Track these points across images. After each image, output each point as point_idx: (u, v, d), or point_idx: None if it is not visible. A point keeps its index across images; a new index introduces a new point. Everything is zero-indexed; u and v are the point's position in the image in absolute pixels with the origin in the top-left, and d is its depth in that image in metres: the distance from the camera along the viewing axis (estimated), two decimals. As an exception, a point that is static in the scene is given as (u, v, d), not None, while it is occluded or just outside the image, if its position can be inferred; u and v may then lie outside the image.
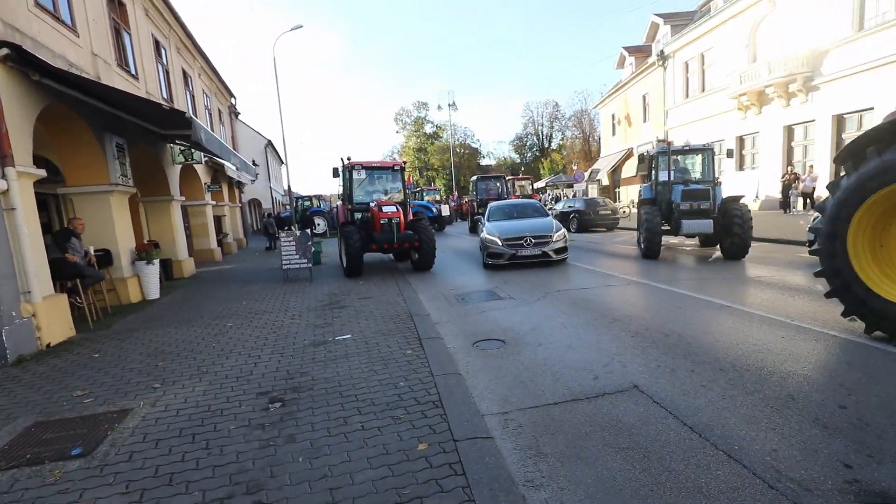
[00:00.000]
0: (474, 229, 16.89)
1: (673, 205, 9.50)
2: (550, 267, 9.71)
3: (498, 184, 21.35)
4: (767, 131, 18.78)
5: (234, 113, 22.02)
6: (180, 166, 12.31)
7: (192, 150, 11.57)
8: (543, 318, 5.83)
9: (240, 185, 21.43)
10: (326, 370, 4.33)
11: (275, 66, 21.65)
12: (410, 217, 10.71)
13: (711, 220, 8.67)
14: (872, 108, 14.32)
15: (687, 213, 9.02)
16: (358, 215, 10.82)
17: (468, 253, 13.47)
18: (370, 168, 10.64)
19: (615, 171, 32.81)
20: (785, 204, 17.05)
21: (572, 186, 43.39)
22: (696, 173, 10.59)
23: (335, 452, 2.88)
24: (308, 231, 10.01)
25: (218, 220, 18.03)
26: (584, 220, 17.23)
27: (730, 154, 10.68)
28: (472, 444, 2.88)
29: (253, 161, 22.02)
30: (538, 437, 3.03)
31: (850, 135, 15.43)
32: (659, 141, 13.28)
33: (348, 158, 10.47)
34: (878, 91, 13.98)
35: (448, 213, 25.53)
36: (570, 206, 18.26)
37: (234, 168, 15.10)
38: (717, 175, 10.10)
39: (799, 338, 4.50)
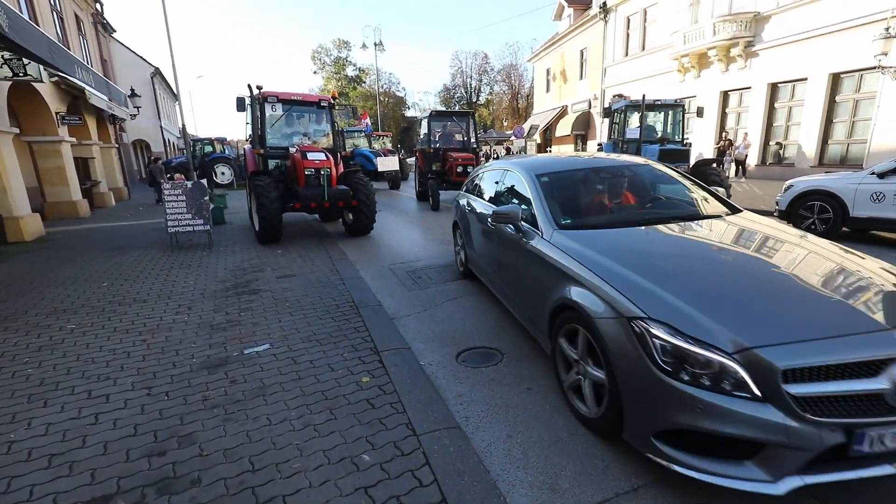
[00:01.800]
0: (425, 195, 12.74)
1: None
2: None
3: (463, 125, 13.52)
4: (704, 96, 18.82)
5: (101, 24, 17.10)
6: (8, 84, 8.76)
7: (23, 60, 8.15)
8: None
9: (115, 119, 17.05)
10: (227, 431, 2.54)
11: (156, -33, 16.94)
12: (342, 168, 8.62)
13: None
14: (806, 79, 14.56)
15: None
16: (273, 163, 8.47)
17: (411, 211, 11.70)
18: (289, 102, 8.22)
19: (547, 130, 32.26)
20: (717, 170, 17.42)
21: (502, 143, 42.66)
22: (659, 133, 9.77)
23: None
24: (203, 181, 7.53)
25: (85, 164, 14.09)
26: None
27: (700, 113, 9.92)
28: None
29: (132, 90, 17.50)
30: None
31: (782, 104, 15.77)
32: (615, 96, 12.34)
33: (259, 87, 7.95)
34: (812, 62, 14.14)
35: (394, 168, 17.66)
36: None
37: (98, 94, 11.42)
38: (686, 136, 9.30)
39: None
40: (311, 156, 7.43)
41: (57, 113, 11.07)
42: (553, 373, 3.02)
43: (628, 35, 23.40)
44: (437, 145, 12.84)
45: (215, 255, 6.94)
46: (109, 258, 6.86)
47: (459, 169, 11.34)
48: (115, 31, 24.77)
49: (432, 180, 11.82)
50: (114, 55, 24.74)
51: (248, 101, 8.09)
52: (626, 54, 23.51)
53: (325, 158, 7.51)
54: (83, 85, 8.85)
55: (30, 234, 8.63)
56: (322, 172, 7.34)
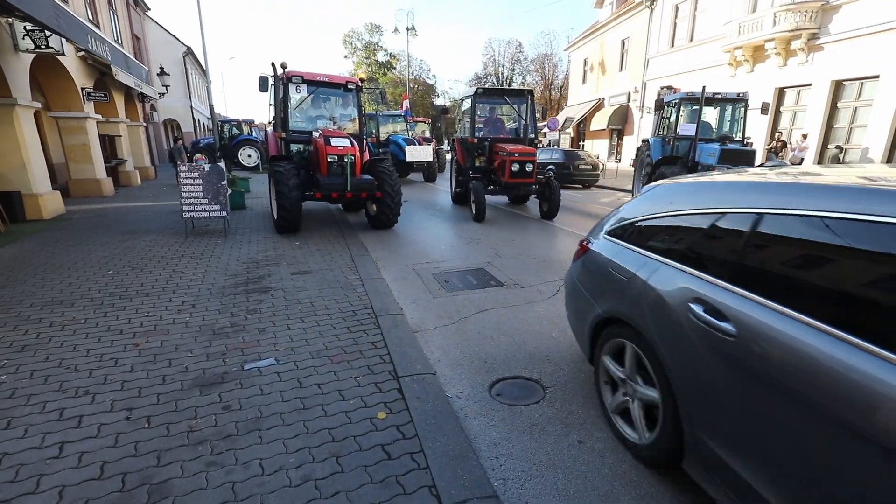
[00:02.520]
0: (463, 198, 10.02)
1: (699, 167, 7.69)
2: (547, 229, 7.74)
3: (520, 109, 9.99)
4: (757, 93, 17.47)
5: (134, 1, 16.98)
6: (31, 57, 8.54)
7: (45, 31, 7.88)
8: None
9: (144, 98, 16.99)
10: (209, 482, 2.05)
11: (190, -57, 16.67)
12: (367, 156, 8.09)
13: None
14: (878, 77, 13.20)
15: None
16: (296, 148, 8.01)
17: (444, 213, 11.13)
18: (314, 83, 7.71)
19: (580, 124, 31.03)
20: (766, 173, 16.17)
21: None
22: (714, 130, 8.85)
23: None
24: (221, 164, 7.13)
25: (111, 142, 14.04)
26: (563, 174, 15.28)
27: (765, 109, 8.95)
28: None
29: (161, 68, 17.40)
30: None
31: (846, 104, 14.42)
32: (663, 88, 11.36)
33: (283, 66, 7.46)
34: (886, 57, 12.77)
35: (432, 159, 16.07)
36: (548, 158, 16.19)
37: (122, 70, 11.21)
38: (747, 134, 8.39)
39: None
40: (334, 142, 6.92)
41: (83, 89, 10.91)
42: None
43: (675, 25, 22.01)
44: (483, 133, 9.69)
45: (230, 243, 6.54)
46: (121, 242, 6.55)
47: (516, 167, 8.49)
48: (149, 10, 24.87)
49: (476, 180, 8.81)
50: (147, 33, 24.86)
51: (271, 80, 7.62)
52: (672, 45, 22.14)
53: (349, 145, 6.98)
54: (98, 54, 8.50)
55: (48, 213, 8.46)
56: (346, 160, 6.82)
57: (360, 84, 8.15)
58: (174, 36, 29.33)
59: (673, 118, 8.51)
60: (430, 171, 16.58)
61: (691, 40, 20.96)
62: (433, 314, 4.19)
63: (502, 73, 62.41)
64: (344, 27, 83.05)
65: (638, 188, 10.25)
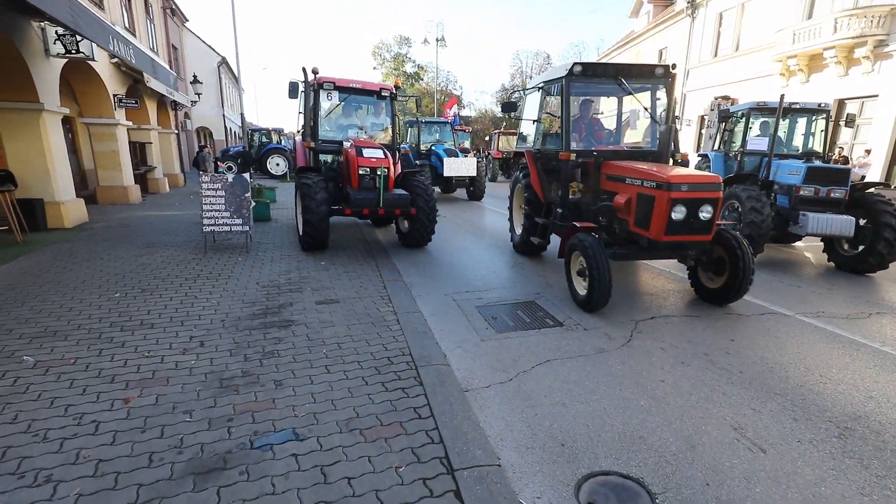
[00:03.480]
0: (533, 248, 6.58)
1: (775, 187, 6.73)
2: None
3: (649, 98, 5.43)
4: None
5: (171, 10, 17.11)
6: (62, 62, 8.32)
7: (76, 36, 7.62)
8: (686, 404, 3.02)
9: (177, 106, 17.01)
10: None
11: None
12: (399, 168, 7.47)
13: (852, 217, 5.93)
14: (960, 86, 11.90)
15: (811, 202, 6.26)
16: (325, 159, 7.47)
17: (481, 224, 10.41)
18: (346, 90, 7.16)
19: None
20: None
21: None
22: (784, 144, 7.86)
23: None
24: (246, 175, 6.62)
25: (142, 149, 13.95)
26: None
27: (850, 122, 7.92)
28: None
29: (194, 76, 17.43)
30: None
31: (921, 116, 13.09)
32: (718, 98, 10.43)
33: (314, 72, 6.95)
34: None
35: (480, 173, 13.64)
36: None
37: (154, 78, 11.02)
38: (830, 150, 7.36)
39: None
40: (367, 153, 6.31)
41: (115, 95, 10.75)
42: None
43: (719, 34, 20.92)
44: (584, 145, 5.50)
45: (251, 262, 5.98)
46: (137, 258, 6.08)
47: (680, 212, 4.14)
48: (187, 21, 25.35)
49: (585, 234, 4.53)
50: (185, 43, 25.31)
51: (301, 87, 7.11)
52: (716, 55, 21.03)
53: (382, 156, 6.36)
54: (122, 56, 8.19)
55: (70, 221, 8.15)
56: (378, 173, 6.20)
57: (394, 91, 7.56)
58: (210, 46, 29.88)
59: (739, 131, 7.56)
60: (475, 187, 14.02)
61: (737, 49, 19.84)
62: (484, 364, 3.45)
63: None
64: (374, 39, 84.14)
65: None
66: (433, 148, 14.25)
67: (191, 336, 3.64)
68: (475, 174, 13.40)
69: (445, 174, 13.00)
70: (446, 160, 13.02)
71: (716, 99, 10.38)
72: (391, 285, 5.16)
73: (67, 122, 11.59)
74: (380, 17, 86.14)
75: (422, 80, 59.97)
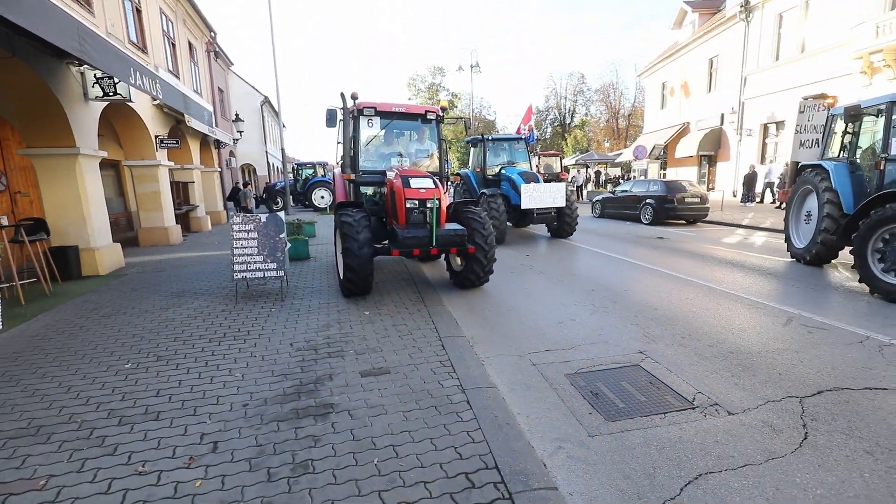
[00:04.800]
0: None
1: None
2: (689, 286, 5.64)
3: None
4: (908, 102, 14.28)
5: (214, 52, 17.59)
6: (102, 105, 8.16)
7: (113, 79, 7.40)
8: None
9: (220, 144, 17.21)
10: None
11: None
12: (447, 199, 6.58)
13: None
14: None
15: None
16: (366, 191, 6.72)
17: (568, 266, 9.30)
18: (389, 114, 6.45)
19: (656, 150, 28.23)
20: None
21: (605, 165, 38.87)
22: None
23: None
24: (280, 214, 5.93)
25: (184, 188, 13.96)
26: (666, 209, 12.97)
27: None
28: None
29: (236, 115, 17.70)
30: None
31: None
32: (808, 98, 8.99)
33: (353, 97, 6.28)
34: None
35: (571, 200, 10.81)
36: (644, 191, 13.96)
37: (196, 118, 10.92)
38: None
39: None
40: (414, 182, 5.46)
41: (156, 137, 10.66)
42: None
43: (780, 35, 19.29)
44: None
45: (285, 313, 5.18)
46: (163, 311, 5.43)
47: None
48: (232, 64, 26.41)
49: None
50: (230, 86, 26.32)
51: (340, 114, 6.45)
52: (777, 58, 19.35)
53: (432, 186, 5.50)
54: (147, 91, 7.92)
55: (105, 268, 7.77)
56: (429, 205, 5.32)
57: (440, 114, 6.78)
58: (253, 87, 31.06)
59: (869, 132, 6.15)
60: (562, 222, 10.82)
61: (803, 51, 18.12)
62: (607, 483, 2.35)
63: (564, 105, 60.98)
64: (409, 71, 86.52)
65: (796, 230, 7.68)
66: (504, 172, 11.17)
67: (202, 434, 2.77)
68: (564, 204, 10.37)
69: (524, 206, 9.95)
70: (523, 188, 9.91)
71: (805, 99, 8.93)
72: (450, 343, 4.17)
73: (114, 166, 11.68)
74: (412, 49, 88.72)
75: (455, 107, 60.50)
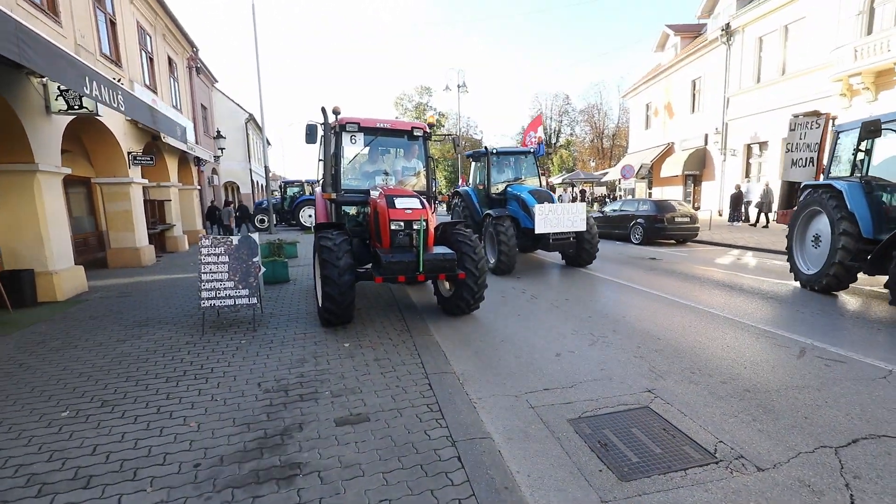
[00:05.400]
0: None
1: None
2: (691, 312, 5.33)
3: None
4: (887, 124, 14.53)
5: (196, 68, 17.22)
6: (66, 119, 7.68)
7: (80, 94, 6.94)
8: None
9: (200, 161, 16.70)
10: None
11: (253, 13, 16.91)
12: (435, 220, 6.20)
13: None
14: None
15: None
16: (348, 210, 6.33)
17: (586, 303, 8.85)
18: (373, 131, 6.11)
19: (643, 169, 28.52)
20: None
21: (590, 184, 39.23)
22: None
23: None
24: (254, 235, 5.48)
25: (160, 207, 13.38)
26: (656, 228, 12.80)
27: None
28: None
29: (217, 132, 17.26)
30: None
31: None
32: (799, 115, 8.77)
33: (335, 112, 5.93)
34: None
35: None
36: (634, 210, 13.80)
37: (168, 134, 10.46)
38: None
39: None
40: (400, 203, 5.08)
41: (129, 153, 10.16)
42: None
43: (760, 58, 19.73)
44: None
45: (257, 346, 4.70)
46: (120, 343, 4.89)
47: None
48: (217, 81, 26.06)
49: None
50: (214, 103, 25.92)
51: (321, 130, 6.09)
52: (759, 80, 19.76)
53: (419, 207, 5.12)
54: (106, 102, 7.54)
55: (64, 293, 7.17)
56: (415, 227, 4.94)
57: (428, 130, 6.47)
58: (238, 105, 30.71)
59: (882, 149, 5.87)
60: (579, 249, 9.15)
61: (783, 73, 18.52)
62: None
63: (549, 126, 61.94)
64: (396, 90, 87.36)
65: (801, 254, 7.21)
66: (511, 190, 9.83)
67: (137, 509, 2.28)
68: (584, 228, 8.73)
69: (538, 231, 8.34)
70: (537, 209, 8.31)
71: (796, 116, 8.72)
72: (438, 381, 3.74)
73: (85, 183, 11.10)
74: (401, 70, 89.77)
75: (442, 126, 60.94)
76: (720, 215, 21.16)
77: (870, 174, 6.31)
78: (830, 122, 7.72)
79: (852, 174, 6.57)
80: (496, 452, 2.76)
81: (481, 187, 10.56)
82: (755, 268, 9.24)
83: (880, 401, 3.33)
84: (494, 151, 10.41)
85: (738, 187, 18.97)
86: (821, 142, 7.69)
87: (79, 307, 6.64)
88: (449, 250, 5.15)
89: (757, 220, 17.55)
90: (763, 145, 19.56)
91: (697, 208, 23.16)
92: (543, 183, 10.57)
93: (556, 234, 8.65)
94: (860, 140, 6.36)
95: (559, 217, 8.46)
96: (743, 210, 18.58)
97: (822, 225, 6.76)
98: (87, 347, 4.79)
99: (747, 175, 20.44)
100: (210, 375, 3.96)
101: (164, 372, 4.07)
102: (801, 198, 7.22)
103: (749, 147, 20.39)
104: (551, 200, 9.00)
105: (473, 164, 11.51)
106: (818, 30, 16.63)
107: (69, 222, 9.21)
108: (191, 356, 4.45)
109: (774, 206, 14.80)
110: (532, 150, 11.36)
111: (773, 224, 16.46)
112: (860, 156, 6.45)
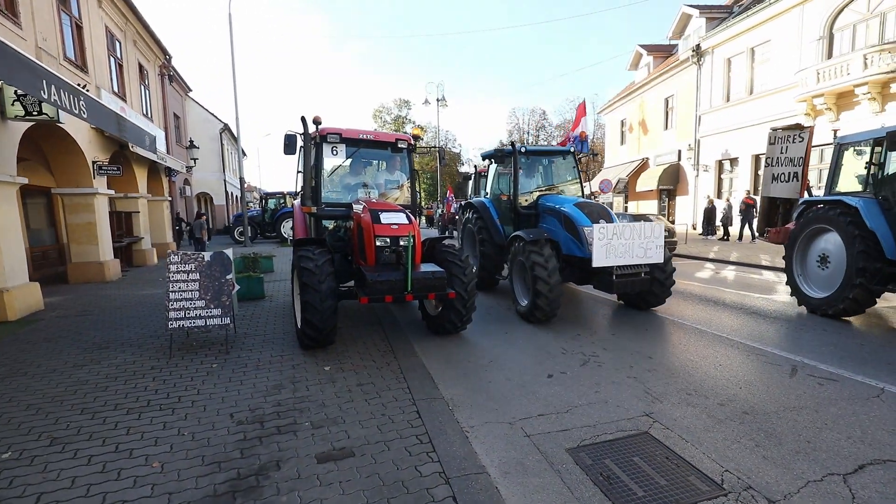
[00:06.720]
0: None
1: None
2: (668, 326, 5.27)
3: None
4: (849, 142, 15.21)
5: (169, 76, 16.67)
6: (24, 126, 7.21)
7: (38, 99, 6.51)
8: None
9: (171, 172, 16.08)
10: None
11: (230, 21, 16.59)
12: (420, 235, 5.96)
13: None
14: None
15: None
16: (330, 225, 6.07)
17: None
18: (356, 142, 5.91)
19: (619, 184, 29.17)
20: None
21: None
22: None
23: None
24: (227, 252, 5.17)
25: (128, 219, 12.74)
26: (636, 242, 12.85)
27: None
28: None
29: (190, 141, 16.70)
30: None
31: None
32: (777, 129, 8.71)
33: (316, 122, 5.71)
34: None
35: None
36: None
37: (136, 143, 9.98)
38: None
39: None
40: (385, 218, 4.86)
41: (94, 162, 9.63)
42: None
43: (729, 79, 20.51)
44: None
45: (229, 370, 4.37)
46: (76, 369, 4.48)
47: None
48: (191, 90, 25.40)
49: None
50: (188, 112, 25.22)
51: (300, 140, 5.85)
52: (728, 100, 20.51)
53: (406, 222, 4.91)
54: (64, 107, 7.13)
55: (16, 312, 6.62)
56: (402, 244, 4.73)
57: (412, 142, 6.31)
58: (212, 114, 29.98)
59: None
60: (656, 287, 6.46)
61: (751, 93, 19.28)
62: None
63: (527, 140, 63.01)
64: (374, 103, 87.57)
65: (804, 276, 6.73)
66: (545, 202, 7.30)
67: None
68: (661, 259, 6.04)
69: (597, 264, 5.69)
70: (596, 232, 5.65)
71: (775, 129, 8.72)
72: (427, 409, 3.51)
73: (46, 194, 10.46)
74: (382, 80, 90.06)
75: (421, 139, 61.12)
76: (694, 229, 21.68)
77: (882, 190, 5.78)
78: (814, 135, 7.63)
79: (865, 189, 6.04)
80: (493, 490, 2.55)
81: (504, 197, 7.92)
82: (734, 282, 9.37)
83: (878, 421, 3.28)
84: (524, 150, 7.62)
85: (710, 201, 19.49)
86: (805, 156, 7.60)
87: (32, 328, 6.13)
88: (438, 268, 4.93)
89: (725, 235, 17.90)
90: (734, 161, 20.20)
91: (673, 222, 23.73)
92: (587, 191, 8.30)
93: (623, 268, 6.00)
94: (886, 151, 5.75)
95: (627, 244, 5.75)
96: (718, 224, 19.05)
97: (828, 244, 6.26)
98: (38, 375, 4.36)
99: (720, 190, 21.03)
100: (177, 405, 3.63)
101: (126, 402, 3.70)
102: (799, 215, 6.83)
103: (720, 163, 21.05)
104: (610, 219, 6.42)
105: (493, 166, 8.73)
106: (783, 52, 17.40)
107: (26, 235, 8.64)
108: (156, 383, 4.09)
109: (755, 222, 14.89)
110: (571, 150, 8.40)
111: (759, 240, 16.68)
112: (873, 170, 5.87)
